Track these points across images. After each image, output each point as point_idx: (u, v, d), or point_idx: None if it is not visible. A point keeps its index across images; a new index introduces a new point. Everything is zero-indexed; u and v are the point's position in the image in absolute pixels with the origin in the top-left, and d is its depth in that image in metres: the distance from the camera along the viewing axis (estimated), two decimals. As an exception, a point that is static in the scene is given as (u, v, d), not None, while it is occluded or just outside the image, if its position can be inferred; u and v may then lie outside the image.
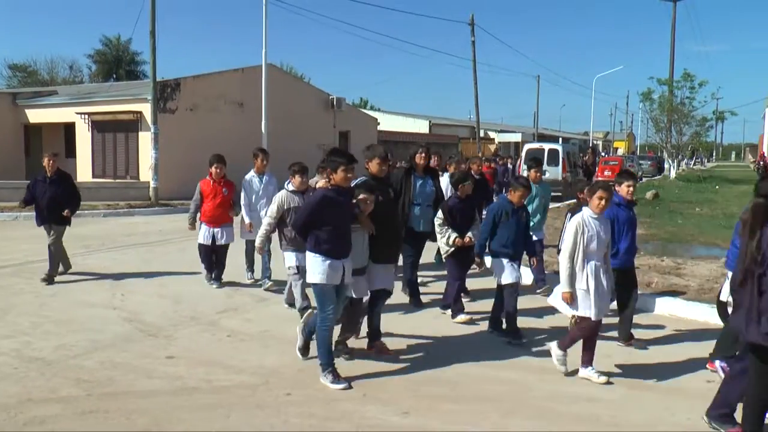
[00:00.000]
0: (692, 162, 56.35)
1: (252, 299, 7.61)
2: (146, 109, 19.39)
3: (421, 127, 46.32)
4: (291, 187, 6.84)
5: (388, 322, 6.05)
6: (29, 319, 6.58)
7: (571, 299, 4.96)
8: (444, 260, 7.04)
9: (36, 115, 23.53)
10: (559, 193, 19.32)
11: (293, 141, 24.58)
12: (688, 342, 6.06)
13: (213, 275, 8.23)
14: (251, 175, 8.28)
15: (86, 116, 21.72)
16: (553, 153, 22.71)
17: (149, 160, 18.80)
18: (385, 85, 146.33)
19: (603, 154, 44.66)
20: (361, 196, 5.06)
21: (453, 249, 6.62)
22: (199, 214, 8.17)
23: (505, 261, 6.06)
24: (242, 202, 8.18)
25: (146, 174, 19.47)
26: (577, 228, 4.97)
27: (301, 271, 6.16)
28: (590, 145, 46.77)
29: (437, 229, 6.79)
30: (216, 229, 8.07)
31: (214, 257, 8.24)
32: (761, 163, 42.26)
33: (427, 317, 6.90)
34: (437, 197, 7.43)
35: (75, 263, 9.09)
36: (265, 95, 21.37)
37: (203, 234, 8.09)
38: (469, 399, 4.66)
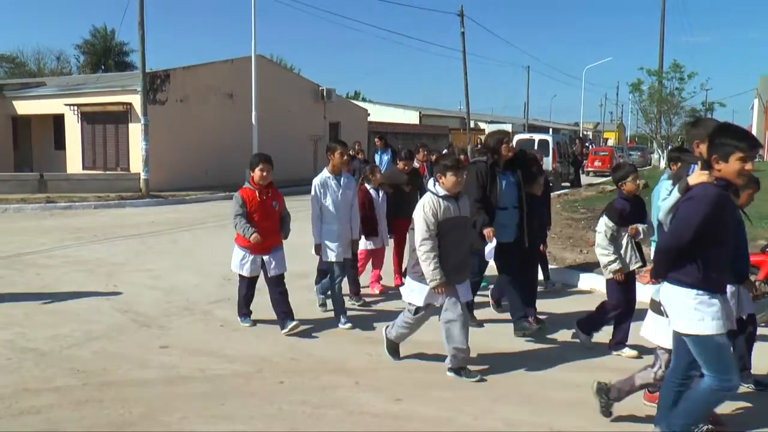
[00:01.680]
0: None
1: (244, 290, 7.65)
2: (136, 100, 19.29)
3: (411, 117, 46.32)
4: (440, 191, 4.87)
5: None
6: (22, 310, 6.59)
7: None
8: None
9: (24, 107, 23.34)
10: (550, 184, 19.39)
11: (283, 132, 24.57)
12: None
13: (275, 318, 5.99)
14: (325, 176, 6.28)
15: (75, 108, 21.58)
16: (543, 144, 22.85)
17: (139, 151, 18.72)
18: (375, 76, 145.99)
19: (588, 144, 44.75)
20: None
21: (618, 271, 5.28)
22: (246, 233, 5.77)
23: None
24: (312, 214, 6.24)
25: (136, 165, 19.39)
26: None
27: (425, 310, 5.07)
28: (580, 135, 46.93)
29: (603, 243, 5.31)
30: (265, 256, 5.97)
31: (266, 296, 6.13)
32: None
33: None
34: (520, 195, 6.01)
35: (67, 255, 9.10)
36: (255, 86, 21.32)
37: (245, 263, 5.95)
38: (460, 386, 4.73)
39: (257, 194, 5.84)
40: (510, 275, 5.97)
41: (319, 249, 6.21)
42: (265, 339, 5.77)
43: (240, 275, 6.09)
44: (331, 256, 6.16)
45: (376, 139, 15.51)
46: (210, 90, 22.37)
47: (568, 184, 24.06)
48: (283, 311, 5.89)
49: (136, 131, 19.57)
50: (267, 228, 5.83)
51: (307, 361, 5.19)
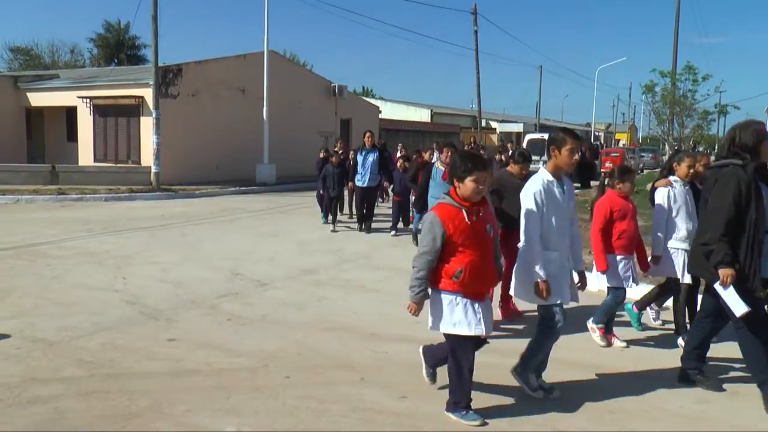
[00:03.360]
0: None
1: (252, 284, 7.68)
2: (148, 94, 19.38)
3: (422, 115, 46.30)
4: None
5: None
6: (32, 301, 6.65)
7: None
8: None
9: (37, 99, 23.52)
10: None
11: (295, 128, 24.63)
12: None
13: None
14: (546, 180, 4.39)
15: (88, 100, 21.72)
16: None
17: (150, 145, 18.81)
18: (387, 73, 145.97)
19: (598, 144, 44.50)
20: None
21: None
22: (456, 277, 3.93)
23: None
24: (530, 236, 4.35)
25: (147, 159, 19.49)
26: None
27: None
28: (598, 140, 46.69)
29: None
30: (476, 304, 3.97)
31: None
32: None
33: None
34: None
35: (77, 246, 9.16)
36: (267, 82, 21.38)
37: (467, 314, 3.94)
38: (465, 384, 4.72)
39: (464, 213, 3.94)
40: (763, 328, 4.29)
41: (546, 289, 4.25)
42: (271, 334, 5.78)
43: (459, 336, 3.97)
44: (556, 296, 4.36)
45: (366, 135, 12.32)
46: (222, 85, 22.45)
47: (578, 185, 23.95)
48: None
49: (147, 125, 19.68)
50: (482, 264, 3.96)
51: (313, 357, 5.20)
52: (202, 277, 7.96)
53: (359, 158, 11.99)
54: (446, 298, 3.94)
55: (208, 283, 7.66)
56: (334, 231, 12.09)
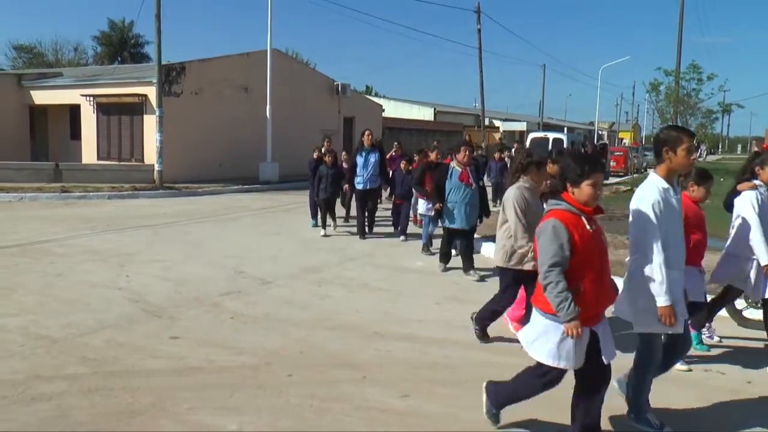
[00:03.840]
0: (697, 154, 56.14)
1: (255, 282, 7.69)
2: (151, 92, 19.40)
3: (425, 114, 46.24)
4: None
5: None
6: (35, 298, 6.68)
7: None
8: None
9: (41, 97, 23.57)
10: None
11: (298, 127, 24.64)
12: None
13: None
14: (662, 186, 3.84)
15: (91, 98, 21.74)
16: (557, 142, 22.76)
17: (154, 143, 18.84)
18: (389, 72, 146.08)
19: (606, 144, 44.48)
20: None
21: None
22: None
23: None
24: (656, 259, 3.75)
25: (150, 157, 19.52)
26: None
27: None
28: (602, 140, 46.56)
29: None
30: (594, 327, 3.52)
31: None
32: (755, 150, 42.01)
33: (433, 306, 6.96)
34: None
35: (80, 244, 9.18)
36: (271, 80, 21.39)
37: (574, 344, 3.45)
38: (468, 383, 4.71)
39: (585, 222, 3.46)
40: None
41: (671, 315, 3.74)
42: (274, 332, 5.79)
43: (556, 368, 3.56)
44: (679, 324, 3.88)
45: (365, 134, 11.35)
46: (225, 83, 22.46)
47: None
48: None
49: (150, 123, 19.70)
50: (603, 280, 3.51)
51: (316, 355, 5.21)
52: (205, 275, 7.98)
53: (359, 159, 11.07)
54: (559, 325, 3.42)
55: (211, 281, 7.67)
56: (326, 235, 11.22)
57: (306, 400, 4.33)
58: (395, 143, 15.66)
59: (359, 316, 6.35)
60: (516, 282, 5.53)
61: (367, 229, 11.35)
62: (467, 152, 7.96)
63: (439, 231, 9.66)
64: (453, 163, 8.08)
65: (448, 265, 8.60)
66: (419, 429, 3.99)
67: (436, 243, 9.64)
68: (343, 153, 13.71)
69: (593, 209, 3.47)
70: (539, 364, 3.61)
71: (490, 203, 9.23)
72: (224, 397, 4.35)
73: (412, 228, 11.64)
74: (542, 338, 3.51)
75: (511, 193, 5.44)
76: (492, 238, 9.61)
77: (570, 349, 3.43)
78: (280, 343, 5.49)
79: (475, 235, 8.76)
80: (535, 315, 3.60)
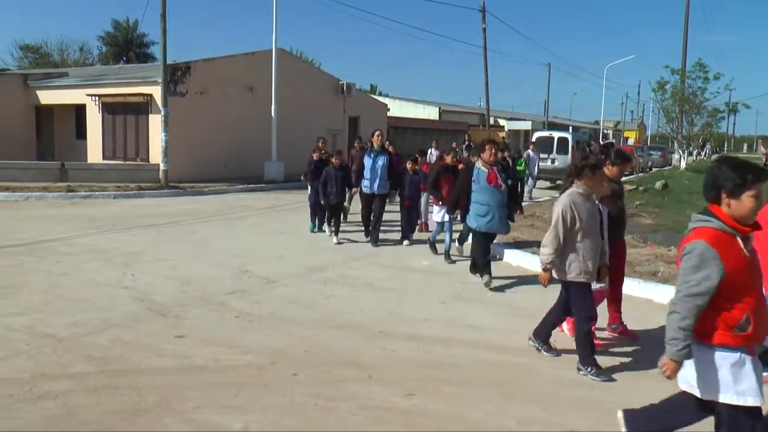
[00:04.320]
0: (703, 153, 56.02)
1: (260, 281, 7.69)
2: (156, 91, 19.43)
3: (430, 113, 46.24)
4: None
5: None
6: (41, 297, 6.70)
7: None
8: None
9: (47, 97, 23.64)
10: None
11: (303, 126, 24.64)
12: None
13: None
14: None
15: (97, 98, 21.80)
16: (562, 141, 22.69)
17: (159, 142, 18.88)
18: (395, 71, 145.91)
19: (612, 143, 44.34)
20: None
21: None
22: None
23: None
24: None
25: (156, 156, 19.55)
26: None
27: None
28: (608, 139, 46.39)
29: None
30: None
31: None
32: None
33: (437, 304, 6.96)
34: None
35: (86, 243, 9.21)
36: (276, 80, 21.41)
37: (748, 378, 2.98)
38: (472, 382, 4.72)
39: (741, 243, 2.99)
40: None
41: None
42: (279, 331, 5.80)
43: (744, 408, 2.95)
44: None
45: (375, 134, 10.96)
46: (230, 83, 22.48)
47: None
48: None
49: (156, 122, 19.74)
50: (764, 307, 3.04)
51: (321, 354, 5.21)
52: (210, 274, 7.99)
53: (367, 161, 10.59)
54: (729, 357, 2.95)
55: (216, 280, 7.68)
56: (338, 243, 10.55)
57: (311, 399, 4.33)
58: (386, 141, 15.11)
59: (364, 316, 6.35)
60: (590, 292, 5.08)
61: (371, 236, 10.67)
62: (493, 150, 7.34)
63: (441, 236, 9.65)
64: (478, 164, 7.49)
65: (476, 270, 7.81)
66: (424, 428, 3.99)
67: (438, 246, 9.64)
68: (356, 141, 13.81)
69: (751, 226, 2.97)
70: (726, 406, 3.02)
71: None
72: (229, 395, 4.36)
73: (417, 235, 11.25)
74: (727, 377, 2.97)
75: (561, 201, 5.05)
76: (516, 245, 9.55)
77: (757, 382, 2.95)
78: (285, 342, 5.50)
79: (496, 241, 8.54)
80: (703, 351, 3.03)
